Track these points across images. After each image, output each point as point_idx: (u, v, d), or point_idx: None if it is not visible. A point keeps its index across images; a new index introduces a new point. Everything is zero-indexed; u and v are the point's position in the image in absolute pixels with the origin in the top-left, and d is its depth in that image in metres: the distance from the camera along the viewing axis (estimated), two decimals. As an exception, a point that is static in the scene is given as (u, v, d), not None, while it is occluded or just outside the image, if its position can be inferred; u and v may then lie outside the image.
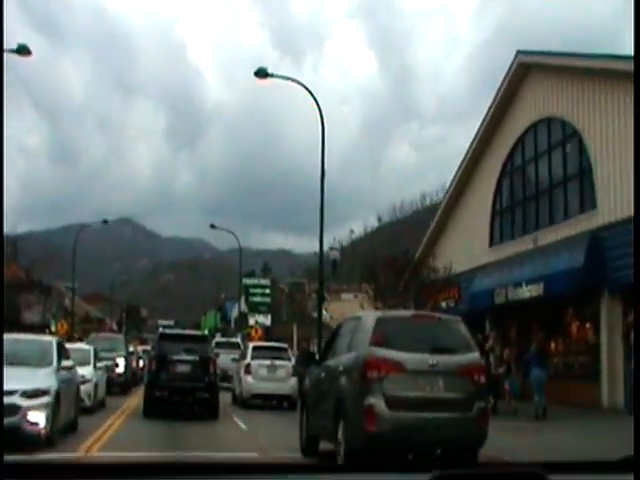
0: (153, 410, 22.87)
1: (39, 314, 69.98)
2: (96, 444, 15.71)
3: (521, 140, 32.41)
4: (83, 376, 21.03)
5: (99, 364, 25.19)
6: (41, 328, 65.15)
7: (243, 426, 21.19)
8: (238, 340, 50.58)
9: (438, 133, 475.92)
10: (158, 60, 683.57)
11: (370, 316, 14.16)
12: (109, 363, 31.98)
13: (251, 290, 66.19)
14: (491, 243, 34.18)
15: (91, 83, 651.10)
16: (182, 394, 23.39)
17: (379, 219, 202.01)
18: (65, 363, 16.67)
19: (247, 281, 67.77)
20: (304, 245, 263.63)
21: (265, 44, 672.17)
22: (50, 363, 15.96)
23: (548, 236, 29.15)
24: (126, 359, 34.00)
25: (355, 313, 18.22)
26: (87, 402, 21.83)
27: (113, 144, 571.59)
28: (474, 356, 13.28)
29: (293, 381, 27.93)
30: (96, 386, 23.12)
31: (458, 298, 32.61)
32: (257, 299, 65.96)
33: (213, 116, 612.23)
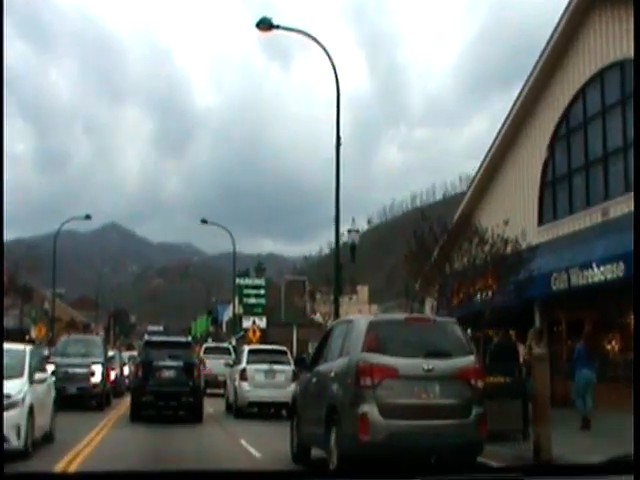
0: (140, 415, 23.76)
1: (15, 318, 65.35)
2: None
3: (582, 93, 26.93)
4: (8, 395, 14.06)
5: (39, 375, 16.47)
6: (20, 333, 60.84)
7: (250, 448, 17.11)
8: (228, 345, 49.04)
9: (426, 135, 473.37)
10: (145, 65, 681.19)
11: (362, 320, 13.76)
12: (83, 371, 26.86)
13: (245, 291, 62.43)
14: (540, 221, 28.66)
15: (78, 89, 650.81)
16: (167, 399, 24.36)
17: (369, 221, 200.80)
18: None
19: (241, 281, 64.12)
20: (293, 250, 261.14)
21: (254, 47, 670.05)
22: None
23: (622, 206, 23.70)
24: (103, 366, 28.35)
25: (346, 316, 18.72)
26: (13, 442, 13.91)
27: (100, 150, 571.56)
28: (470, 359, 13.02)
29: (293, 387, 23.84)
30: (31, 411, 14.86)
31: (496, 288, 26.58)
32: (252, 300, 62.39)
33: (201, 120, 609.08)
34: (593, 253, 23.56)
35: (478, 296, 25.10)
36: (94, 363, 27.80)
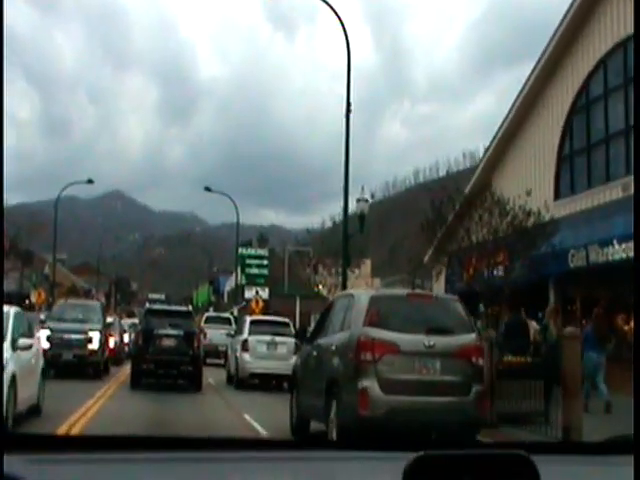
0: (140, 382, 24.05)
1: (15, 282, 64.62)
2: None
3: (602, 64, 25.89)
4: None
5: (25, 341, 14.29)
6: (19, 297, 60.30)
7: (254, 423, 16.63)
8: (229, 315, 48.63)
9: (429, 111, 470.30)
10: (150, 33, 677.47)
11: (363, 294, 13.78)
12: (80, 337, 25.98)
13: (247, 261, 61.80)
14: (557, 195, 27.66)
15: (83, 55, 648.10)
16: (167, 367, 24.63)
17: (372, 196, 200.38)
18: None
19: (243, 251, 63.34)
20: (296, 222, 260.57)
21: (259, 17, 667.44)
22: None
23: (643, 181, 22.71)
24: (102, 332, 27.35)
25: (348, 290, 18.90)
26: None
27: (104, 117, 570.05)
28: (471, 337, 12.98)
29: (295, 359, 23.84)
30: (14, 381, 13.04)
31: (508, 263, 25.68)
32: (254, 270, 61.78)
33: (205, 90, 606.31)
34: (614, 229, 22.62)
35: (495, 270, 24.25)
36: (91, 329, 26.70)
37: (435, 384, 12.32)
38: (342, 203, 26.23)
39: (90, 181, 62.33)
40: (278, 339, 26.67)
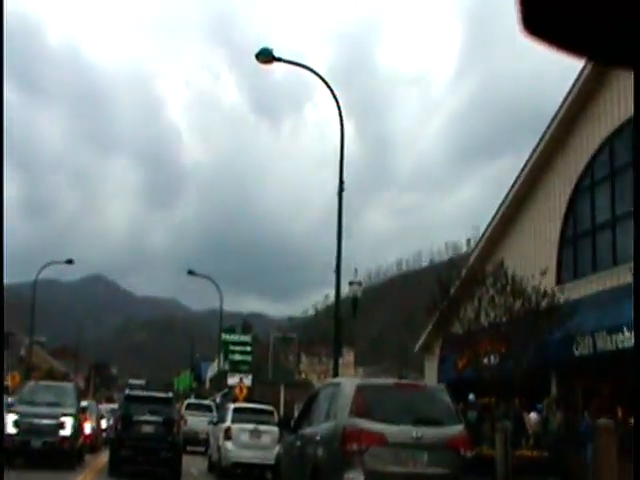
0: (118, 469, 23.66)
1: (-11, 365, 62.65)
2: None
3: (609, 144, 25.02)
4: None
5: None
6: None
7: None
8: (210, 402, 48.48)
9: (412, 202, 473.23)
10: (135, 117, 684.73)
11: (349, 383, 13.56)
12: (51, 422, 24.28)
13: (231, 347, 61.04)
14: (559, 280, 26.53)
15: (67, 138, 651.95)
16: (146, 454, 24.02)
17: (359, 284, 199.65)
18: None
19: (227, 337, 62.44)
20: (277, 309, 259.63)
21: (243, 107, 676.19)
22: None
23: (654, 265, 21.53)
24: (75, 417, 25.47)
25: (333, 379, 18.81)
26: None
27: (87, 200, 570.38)
28: (459, 428, 12.67)
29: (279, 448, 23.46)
30: None
31: (506, 350, 24.40)
32: (237, 356, 60.90)
33: (189, 175, 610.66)
34: (623, 316, 21.40)
35: (497, 356, 22.93)
36: (64, 414, 24.78)
37: (422, 476, 11.96)
38: (332, 287, 25.32)
39: (70, 261, 61.30)
40: (262, 428, 25.85)
